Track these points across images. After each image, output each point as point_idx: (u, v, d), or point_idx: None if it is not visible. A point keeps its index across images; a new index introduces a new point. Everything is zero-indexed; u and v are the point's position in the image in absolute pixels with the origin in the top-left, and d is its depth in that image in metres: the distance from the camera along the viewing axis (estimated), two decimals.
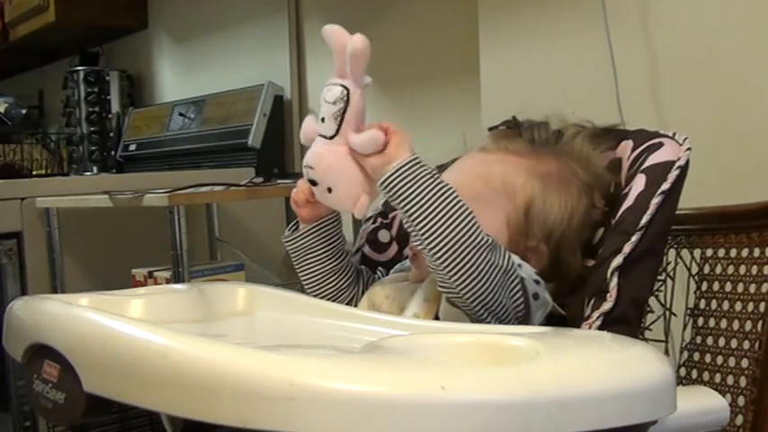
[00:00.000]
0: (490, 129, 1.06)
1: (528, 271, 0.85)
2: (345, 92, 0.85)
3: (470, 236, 0.78)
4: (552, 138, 0.98)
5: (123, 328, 0.65)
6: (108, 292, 0.97)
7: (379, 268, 1.04)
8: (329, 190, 0.86)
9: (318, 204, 0.92)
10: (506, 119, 1.06)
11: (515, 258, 0.84)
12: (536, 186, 0.92)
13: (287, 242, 0.98)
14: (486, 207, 0.89)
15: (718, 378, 0.93)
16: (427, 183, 0.80)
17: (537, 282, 0.85)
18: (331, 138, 0.85)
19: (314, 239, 0.96)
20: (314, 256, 0.96)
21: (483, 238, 0.79)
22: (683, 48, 1.31)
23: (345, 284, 0.97)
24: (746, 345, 0.90)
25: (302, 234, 0.96)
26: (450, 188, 0.80)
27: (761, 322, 0.89)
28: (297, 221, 0.99)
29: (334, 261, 0.96)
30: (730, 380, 0.92)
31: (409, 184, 0.80)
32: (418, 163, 0.81)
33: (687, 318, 0.99)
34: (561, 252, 0.91)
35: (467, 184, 0.88)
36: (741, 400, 0.89)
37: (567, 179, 0.93)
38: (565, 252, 0.91)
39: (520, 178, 0.92)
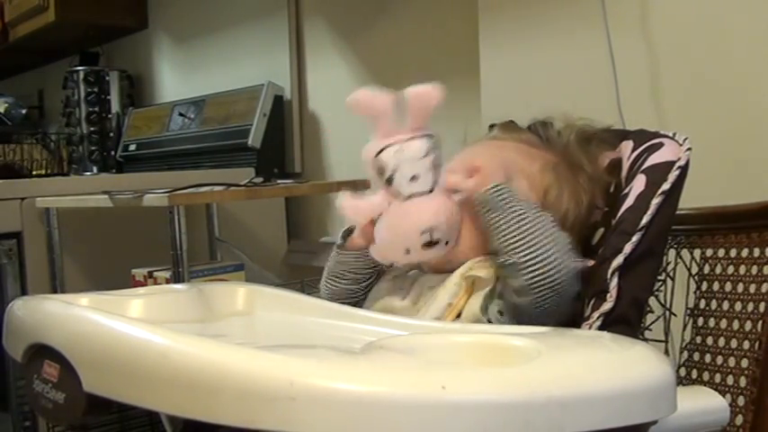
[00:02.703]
0: (491, 126, 1.06)
1: None
2: (433, 139, 0.83)
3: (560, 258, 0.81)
4: (555, 135, 0.99)
5: (123, 328, 0.65)
6: (108, 292, 0.97)
7: None
8: (446, 242, 0.84)
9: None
10: (505, 120, 1.06)
11: None
12: (551, 174, 0.93)
13: (339, 251, 0.96)
14: (511, 177, 0.90)
15: (718, 378, 0.93)
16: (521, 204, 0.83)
17: None
18: (431, 191, 0.83)
19: (364, 261, 0.94)
20: (354, 275, 0.95)
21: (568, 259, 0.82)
22: (683, 48, 1.31)
23: (365, 294, 0.97)
24: (746, 345, 0.90)
25: (354, 254, 0.95)
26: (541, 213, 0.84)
27: (761, 322, 0.89)
28: (349, 229, 0.96)
29: (369, 280, 0.96)
30: (730, 380, 0.91)
31: (508, 201, 0.83)
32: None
33: (687, 318, 0.99)
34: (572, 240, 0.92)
35: (492, 158, 0.90)
36: (741, 400, 0.89)
37: (576, 170, 0.95)
38: (573, 240, 0.92)
39: (535, 165, 0.94)
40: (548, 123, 1.00)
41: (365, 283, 0.95)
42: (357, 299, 0.95)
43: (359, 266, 0.94)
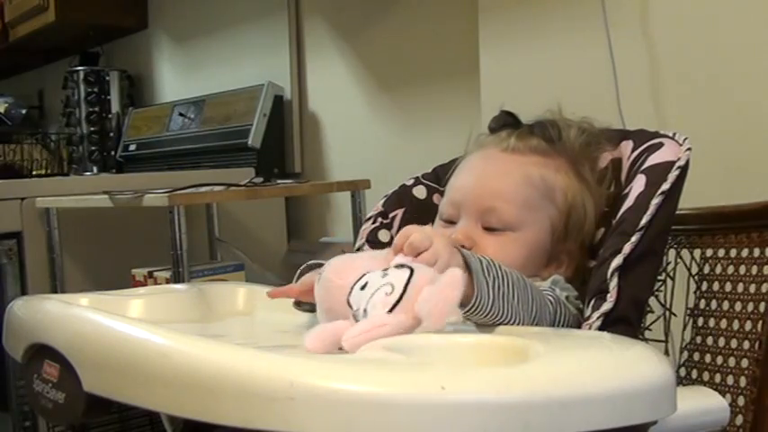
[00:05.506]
0: (492, 128, 1.04)
1: (573, 301, 0.85)
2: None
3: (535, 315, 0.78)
4: (564, 138, 0.97)
5: (123, 328, 0.65)
6: (108, 292, 0.97)
7: None
8: None
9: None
10: (504, 111, 1.03)
11: (563, 292, 0.84)
12: (575, 190, 0.93)
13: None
14: (536, 214, 0.91)
15: (718, 378, 0.93)
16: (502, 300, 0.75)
17: (578, 308, 0.86)
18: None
19: None
20: None
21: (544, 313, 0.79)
22: (683, 48, 1.31)
23: None
24: (746, 345, 0.90)
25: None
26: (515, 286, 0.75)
27: (761, 322, 0.89)
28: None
29: None
30: (730, 380, 0.91)
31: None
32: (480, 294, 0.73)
33: (687, 318, 0.99)
34: (584, 252, 0.93)
35: (517, 190, 0.91)
36: (741, 400, 0.89)
37: (587, 182, 0.95)
38: (585, 252, 0.93)
39: (558, 181, 0.94)
40: (553, 123, 0.99)
41: None
42: None
43: None
